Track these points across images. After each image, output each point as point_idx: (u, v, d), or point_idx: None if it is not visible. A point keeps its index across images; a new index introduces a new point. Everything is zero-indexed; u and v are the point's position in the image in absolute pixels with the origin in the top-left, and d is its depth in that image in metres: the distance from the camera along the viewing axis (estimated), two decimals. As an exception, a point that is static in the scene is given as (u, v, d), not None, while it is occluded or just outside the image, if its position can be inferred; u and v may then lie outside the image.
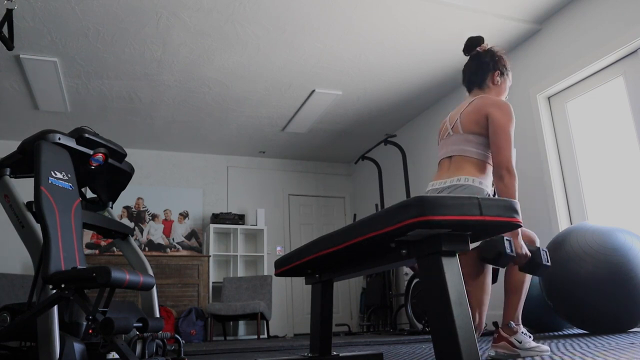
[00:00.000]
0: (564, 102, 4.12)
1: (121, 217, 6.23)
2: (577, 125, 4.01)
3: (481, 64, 2.18)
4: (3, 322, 1.83)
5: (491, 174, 1.99)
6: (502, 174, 1.91)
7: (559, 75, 4.00)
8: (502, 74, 2.18)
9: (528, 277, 2.01)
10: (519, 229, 1.88)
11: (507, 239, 1.82)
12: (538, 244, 2.01)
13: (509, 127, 1.96)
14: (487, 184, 1.97)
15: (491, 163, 1.99)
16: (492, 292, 2.04)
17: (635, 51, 3.51)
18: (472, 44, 2.24)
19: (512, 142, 1.95)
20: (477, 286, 1.94)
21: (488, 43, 2.25)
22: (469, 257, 1.95)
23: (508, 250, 1.79)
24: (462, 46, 2.36)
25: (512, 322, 1.94)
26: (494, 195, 2.01)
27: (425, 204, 1.14)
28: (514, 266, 1.99)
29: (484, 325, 1.95)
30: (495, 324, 1.99)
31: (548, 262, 1.94)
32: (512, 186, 1.90)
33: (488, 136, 1.99)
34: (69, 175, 1.89)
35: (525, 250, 1.88)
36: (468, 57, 2.27)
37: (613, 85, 3.72)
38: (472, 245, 1.89)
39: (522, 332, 1.93)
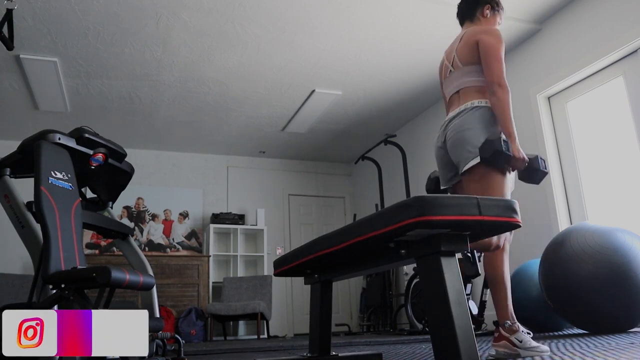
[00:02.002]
0: (564, 102, 4.11)
1: (121, 217, 6.22)
2: (577, 125, 4.01)
3: None
4: (3, 322, 1.83)
5: None
6: (494, 89, 2.04)
7: (559, 75, 3.99)
8: (492, 8, 2.29)
9: (507, 268, 2.04)
10: (517, 139, 2.02)
11: (503, 139, 1.97)
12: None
13: (498, 47, 2.08)
14: None
15: None
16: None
17: (635, 51, 3.51)
18: None
19: (502, 61, 2.07)
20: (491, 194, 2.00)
21: None
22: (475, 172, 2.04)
23: (504, 149, 1.93)
24: None
25: (507, 322, 1.94)
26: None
27: (425, 204, 1.15)
28: (491, 255, 2.02)
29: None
30: (495, 323, 1.99)
31: (546, 168, 2.10)
32: (504, 99, 2.02)
33: None
34: (69, 175, 1.89)
35: (522, 153, 2.01)
36: None
37: (613, 85, 3.71)
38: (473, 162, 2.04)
39: (523, 331, 1.94)
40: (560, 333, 3.27)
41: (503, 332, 1.94)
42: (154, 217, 6.42)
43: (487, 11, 2.28)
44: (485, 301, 3.80)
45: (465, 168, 2.04)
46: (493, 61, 2.06)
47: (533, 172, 2.07)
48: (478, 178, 2.03)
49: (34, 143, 1.85)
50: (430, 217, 1.13)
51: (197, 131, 6.07)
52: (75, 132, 2.03)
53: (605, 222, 3.23)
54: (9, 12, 2.23)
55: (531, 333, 1.98)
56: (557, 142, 4.16)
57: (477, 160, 2.01)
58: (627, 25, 3.44)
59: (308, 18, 3.90)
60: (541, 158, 2.09)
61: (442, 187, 2.29)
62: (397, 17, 3.94)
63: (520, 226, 1.30)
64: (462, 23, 2.35)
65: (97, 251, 5.98)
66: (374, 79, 4.96)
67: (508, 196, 2.03)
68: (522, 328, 1.95)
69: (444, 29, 4.12)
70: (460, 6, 2.36)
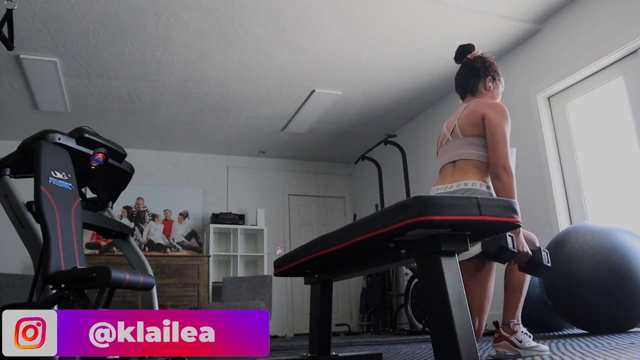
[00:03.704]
0: (564, 102, 4.11)
1: (121, 217, 6.22)
2: (577, 125, 4.01)
3: (472, 71, 2.21)
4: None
5: None
6: (499, 172, 1.93)
7: (559, 75, 3.99)
8: (493, 79, 2.21)
9: (528, 278, 2.02)
10: (521, 229, 1.89)
11: (509, 235, 1.84)
12: (538, 245, 2.02)
13: (504, 126, 1.98)
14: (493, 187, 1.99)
15: None
16: (493, 291, 2.06)
17: (635, 51, 3.51)
18: (463, 52, 2.27)
19: (507, 141, 1.97)
20: (479, 292, 1.95)
21: (479, 50, 2.29)
22: (471, 263, 1.95)
23: (510, 246, 1.81)
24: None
25: (512, 321, 1.94)
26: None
27: (425, 203, 1.15)
28: (514, 265, 2.00)
29: (482, 331, 1.95)
30: (495, 323, 2.00)
31: (548, 262, 1.96)
32: (509, 184, 1.91)
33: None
34: (69, 175, 1.89)
35: (526, 248, 1.90)
36: (459, 65, 2.28)
37: (613, 85, 3.71)
38: (472, 251, 1.91)
39: (522, 332, 1.94)
40: (560, 333, 3.27)
41: (503, 333, 1.94)
42: (154, 217, 6.42)
43: (490, 83, 2.19)
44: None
45: (462, 259, 1.91)
46: (500, 143, 1.95)
47: (536, 266, 1.95)
48: (472, 271, 1.95)
49: (34, 143, 1.85)
50: (430, 217, 1.13)
51: (197, 131, 6.07)
52: (75, 132, 2.03)
53: (605, 222, 3.23)
54: (9, 12, 2.23)
55: (531, 335, 1.98)
56: (557, 142, 4.15)
57: (476, 251, 1.91)
58: (627, 25, 3.44)
59: (308, 18, 3.89)
60: (544, 250, 1.96)
61: None
62: (397, 17, 3.94)
63: (520, 226, 1.30)
64: (462, 97, 2.24)
65: (97, 251, 5.98)
66: (374, 79, 4.96)
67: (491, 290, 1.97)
68: (522, 329, 1.95)
69: (444, 29, 4.13)
70: (459, 80, 2.26)
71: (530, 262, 1.93)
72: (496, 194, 1.95)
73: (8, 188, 1.90)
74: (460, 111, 2.13)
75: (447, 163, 2.09)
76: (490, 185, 1.98)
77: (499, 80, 2.23)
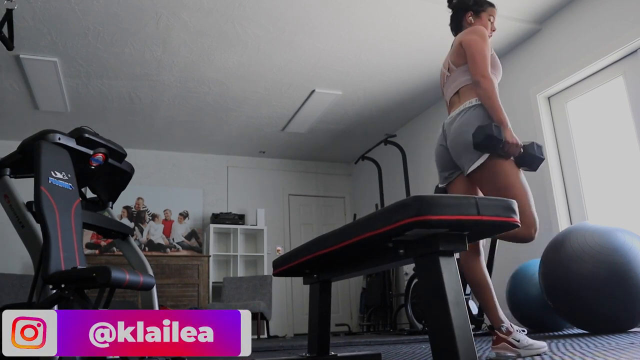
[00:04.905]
0: (564, 102, 4.11)
1: (121, 217, 6.23)
2: (577, 125, 4.01)
3: (458, 7, 2.36)
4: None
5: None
6: (478, 80, 2.06)
7: (559, 75, 3.99)
8: (475, 12, 2.32)
9: (485, 271, 2.04)
10: (508, 124, 2.02)
11: (494, 125, 1.97)
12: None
13: (479, 42, 2.12)
14: None
15: None
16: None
17: (635, 51, 3.51)
18: None
19: (484, 54, 2.09)
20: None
21: None
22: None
23: (495, 133, 1.92)
24: None
25: (502, 325, 1.94)
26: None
27: (423, 203, 1.15)
28: (469, 263, 2.02)
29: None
30: (490, 327, 1.99)
31: (542, 155, 2.07)
32: (489, 88, 2.04)
33: None
34: (69, 175, 1.89)
35: (516, 139, 2.00)
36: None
37: (613, 85, 3.71)
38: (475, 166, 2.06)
39: (518, 330, 1.94)
40: (560, 333, 3.27)
41: (500, 335, 1.94)
42: (154, 217, 6.42)
43: (470, 18, 2.31)
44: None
45: (471, 169, 2.04)
46: (475, 55, 2.09)
47: (529, 158, 2.05)
48: (488, 174, 2.02)
49: (34, 143, 1.85)
50: (428, 217, 1.13)
51: (197, 131, 6.07)
52: (75, 132, 2.03)
53: (605, 222, 3.22)
54: (9, 12, 2.23)
55: (525, 330, 1.98)
56: (557, 142, 4.15)
57: (482, 160, 1.99)
58: (627, 25, 3.44)
59: (308, 18, 3.90)
60: (537, 144, 2.07)
61: (439, 186, 2.28)
62: (397, 17, 3.94)
63: (519, 226, 1.30)
64: (455, 35, 2.40)
65: (97, 251, 5.98)
66: (374, 79, 4.96)
67: (525, 184, 2.03)
68: (516, 327, 1.95)
69: (444, 29, 4.09)
70: (450, 21, 2.42)
71: (524, 156, 2.03)
72: (480, 100, 2.06)
73: (8, 188, 1.90)
74: (450, 48, 2.30)
75: (452, 95, 2.24)
76: None
77: (482, 11, 2.32)
